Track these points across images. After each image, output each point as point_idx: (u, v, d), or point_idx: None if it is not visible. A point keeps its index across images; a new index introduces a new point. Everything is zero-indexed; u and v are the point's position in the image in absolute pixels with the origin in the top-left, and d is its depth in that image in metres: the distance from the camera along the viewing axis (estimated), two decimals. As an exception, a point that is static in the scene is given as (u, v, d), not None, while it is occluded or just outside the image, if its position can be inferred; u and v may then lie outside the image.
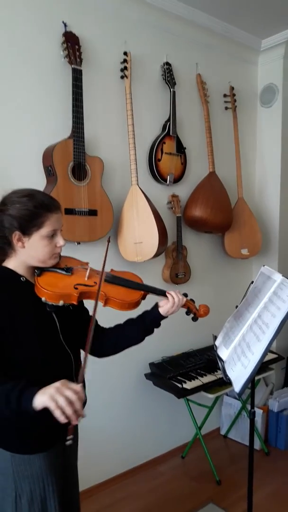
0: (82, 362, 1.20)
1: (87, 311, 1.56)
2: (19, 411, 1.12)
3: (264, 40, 3.23)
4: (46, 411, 1.09)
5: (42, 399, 1.08)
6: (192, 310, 1.56)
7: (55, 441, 1.38)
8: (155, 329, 1.55)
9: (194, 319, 1.57)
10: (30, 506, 1.32)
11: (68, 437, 1.10)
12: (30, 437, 1.33)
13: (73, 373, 1.42)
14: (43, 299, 1.30)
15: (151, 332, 1.53)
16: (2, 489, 1.34)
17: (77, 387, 1.11)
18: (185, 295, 1.52)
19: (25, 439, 1.32)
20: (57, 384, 1.11)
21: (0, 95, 2.07)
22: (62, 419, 1.07)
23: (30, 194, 1.32)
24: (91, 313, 1.53)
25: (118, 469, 2.73)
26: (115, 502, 2.52)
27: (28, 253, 1.33)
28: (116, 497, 2.56)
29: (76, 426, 1.51)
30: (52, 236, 1.33)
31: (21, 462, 1.32)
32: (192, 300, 1.57)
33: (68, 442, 1.11)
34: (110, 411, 2.62)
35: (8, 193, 1.34)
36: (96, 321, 1.55)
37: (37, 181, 2.15)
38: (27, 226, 1.29)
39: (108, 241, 1.47)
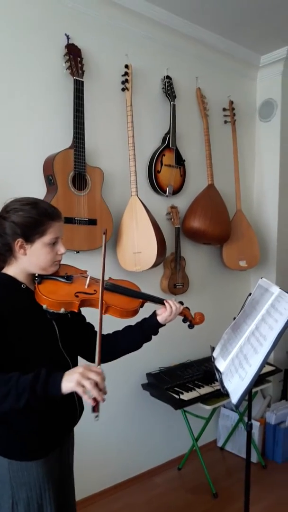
0: (97, 347, 1.23)
1: (84, 318, 1.58)
2: (44, 399, 1.13)
3: (263, 56, 3.28)
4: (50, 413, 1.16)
5: (69, 385, 1.12)
6: (188, 318, 1.60)
7: (52, 448, 1.38)
8: (153, 338, 1.58)
9: (190, 326, 1.62)
10: None
11: (96, 414, 1.13)
12: (28, 444, 1.33)
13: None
14: (44, 306, 1.31)
15: (149, 339, 1.57)
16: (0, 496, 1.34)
17: (99, 369, 1.16)
18: (181, 303, 1.58)
19: (22, 445, 1.32)
20: (80, 369, 1.14)
21: (3, 105, 2.10)
22: (90, 401, 1.12)
23: (33, 202, 1.35)
24: (88, 320, 1.58)
25: (113, 480, 2.71)
26: (111, 514, 2.50)
27: (29, 260, 1.34)
28: (112, 508, 2.54)
29: (72, 433, 1.54)
30: (53, 244, 1.35)
31: (18, 469, 1.32)
32: (187, 308, 1.61)
33: (96, 419, 1.13)
34: (106, 421, 2.61)
35: (10, 200, 1.36)
36: (93, 328, 1.58)
37: (38, 190, 2.17)
38: (30, 234, 1.31)
39: (104, 233, 1.45)
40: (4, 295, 1.30)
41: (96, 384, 1.11)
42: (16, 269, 1.36)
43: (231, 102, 3.20)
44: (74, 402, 1.44)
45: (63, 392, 1.13)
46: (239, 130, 3.25)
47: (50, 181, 2.17)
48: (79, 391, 1.11)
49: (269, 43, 3.10)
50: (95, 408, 1.13)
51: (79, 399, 1.46)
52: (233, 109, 3.20)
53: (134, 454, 2.79)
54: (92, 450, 2.50)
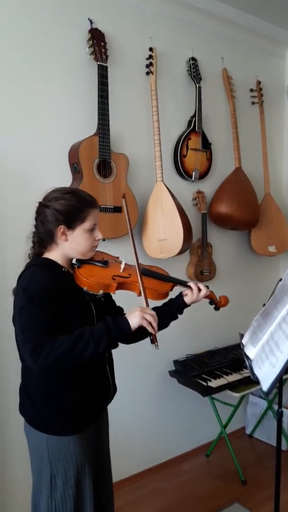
0: (143, 295, 1.46)
1: (114, 302, 1.68)
2: (119, 338, 1.35)
3: (292, 33, 3.15)
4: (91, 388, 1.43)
5: (136, 320, 1.33)
6: (214, 300, 1.70)
7: (87, 424, 1.47)
8: (180, 325, 1.72)
9: (216, 308, 1.72)
10: (64, 486, 1.41)
11: (156, 344, 1.38)
12: (66, 419, 1.41)
13: (106, 357, 1.54)
14: (84, 288, 1.43)
15: (176, 317, 1.68)
16: (39, 470, 1.44)
17: (149, 308, 1.39)
18: (207, 287, 1.66)
19: (61, 421, 1.41)
20: (138, 308, 1.36)
21: (26, 93, 2.09)
22: (153, 331, 1.35)
23: (73, 191, 1.48)
24: (119, 304, 1.70)
25: (141, 466, 2.73)
26: (138, 499, 2.52)
27: (70, 246, 1.44)
28: (140, 494, 2.57)
29: (106, 412, 1.64)
30: (91, 230, 1.45)
31: (56, 444, 1.41)
32: (211, 291, 1.69)
33: (157, 347, 1.37)
34: (134, 408, 2.62)
35: (51, 190, 1.46)
36: (123, 310, 1.67)
37: (63, 178, 2.16)
38: (72, 220, 1.41)
39: (124, 197, 1.67)
40: (53, 276, 1.40)
41: (154, 317, 1.34)
42: (57, 254, 1.46)
43: (259, 82, 3.10)
44: (108, 380, 1.54)
45: (133, 327, 1.32)
46: (267, 111, 3.15)
47: (76, 169, 2.16)
48: (144, 323, 1.33)
49: (299, 18, 2.97)
50: (154, 339, 1.37)
51: (112, 376, 1.58)
52: (261, 89, 3.10)
53: (162, 440, 2.81)
54: (120, 437, 2.52)
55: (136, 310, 1.34)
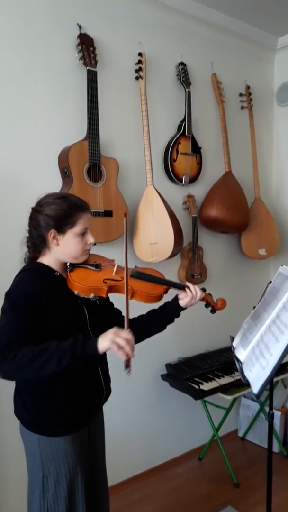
0: (125, 313, 1.40)
1: (112, 304, 1.68)
2: (84, 359, 1.28)
3: (281, 38, 3.19)
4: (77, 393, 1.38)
5: (105, 344, 1.27)
6: (210, 303, 1.68)
7: (79, 425, 1.48)
8: (171, 329, 1.68)
9: (213, 311, 1.69)
10: (56, 487, 1.42)
11: (128, 369, 1.34)
12: (57, 419, 1.43)
13: (99, 359, 1.54)
14: (75, 292, 1.43)
15: (172, 321, 1.67)
16: (32, 470, 1.46)
17: (127, 331, 1.32)
18: (204, 289, 1.65)
19: (53, 421, 1.42)
20: (112, 330, 1.29)
21: (16, 97, 2.09)
22: (124, 357, 1.28)
23: (64, 196, 1.49)
24: (115, 306, 1.70)
25: (134, 471, 2.72)
26: (132, 503, 2.52)
27: (61, 250, 1.46)
28: (133, 499, 2.56)
29: (101, 414, 1.65)
30: (83, 234, 1.46)
31: (48, 445, 1.42)
32: (209, 294, 1.68)
33: (128, 374, 1.34)
34: (126, 412, 2.62)
35: (43, 196, 1.48)
36: (121, 312, 1.67)
37: (53, 183, 2.16)
38: (62, 225, 1.43)
39: (125, 215, 1.55)
40: (41, 282, 1.41)
41: (128, 342, 1.27)
42: (50, 259, 1.48)
43: (248, 87, 3.13)
44: (100, 382, 1.54)
45: (100, 351, 1.27)
46: (256, 116, 3.18)
47: (66, 173, 2.16)
48: (114, 347, 1.26)
49: (286, 24, 3.00)
50: (128, 364, 1.31)
51: (105, 379, 1.58)
52: (250, 94, 3.13)
53: (155, 444, 2.80)
54: (112, 442, 2.49)
55: (109, 332, 1.29)
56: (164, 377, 2.71)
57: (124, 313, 1.42)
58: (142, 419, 2.71)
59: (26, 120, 2.12)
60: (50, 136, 2.19)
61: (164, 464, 2.85)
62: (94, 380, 1.54)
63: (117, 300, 1.64)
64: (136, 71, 2.49)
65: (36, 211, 1.46)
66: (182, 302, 1.61)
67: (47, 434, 1.43)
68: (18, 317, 1.32)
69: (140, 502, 2.53)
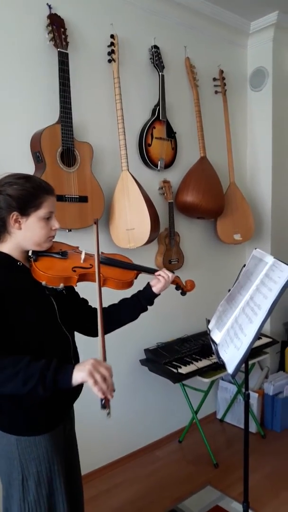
0: (100, 342, 1.25)
1: (78, 294, 1.61)
2: (53, 388, 1.15)
3: (253, 23, 3.18)
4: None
5: (80, 375, 1.14)
6: (180, 285, 1.66)
7: (57, 422, 1.42)
8: (150, 314, 1.63)
9: (183, 293, 1.68)
10: (37, 487, 1.35)
11: (107, 411, 1.15)
12: (35, 419, 1.36)
13: (71, 354, 1.46)
14: (43, 283, 1.32)
15: (146, 309, 1.62)
16: (8, 473, 1.37)
17: (108, 365, 1.18)
18: (172, 272, 1.62)
19: (31, 421, 1.35)
20: (91, 360, 1.16)
21: (-15, 81, 2.02)
22: (99, 394, 1.13)
23: (26, 176, 1.35)
24: (81, 295, 1.61)
25: (115, 455, 2.74)
26: (113, 487, 2.54)
27: (24, 235, 1.33)
28: (114, 482, 2.58)
29: (72, 408, 1.57)
30: (47, 218, 1.35)
31: (27, 445, 1.35)
32: (178, 276, 1.66)
33: (108, 416, 1.15)
34: (106, 398, 2.62)
35: (3, 175, 1.34)
36: (87, 303, 1.62)
37: (26, 168, 2.11)
38: (26, 207, 1.30)
39: (96, 223, 1.52)
40: (4, 275, 1.30)
41: (104, 379, 1.14)
42: (10, 246, 1.35)
43: (221, 72, 3.12)
44: None
45: (73, 383, 1.14)
46: (230, 100, 3.18)
47: (38, 158, 2.12)
48: (90, 382, 1.12)
49: (259, 8, 3.00)
50: (106, 404, 1.14)
51: None
52: (224, 78, 3.12)
53: (135, 429, 2.82)
54: (93, 427, 2.51)
55: (88, 362, 1.15)
56: (143, 362, 2.73)
57: (96, 305, 1.32)
58: (121, 404, 2.73)
59: (-5, 103, 2.06)
60: (21, 119, 2.14)
61: (144, 448, 2.88)
62: None
63: (86, 289, 1.55)
64: (109, 53, 2.44)
65: None
66: (155, 289, 1.58)
67: (25, 434, 1.35)
68: None
69: (121, 486, 2.55)
